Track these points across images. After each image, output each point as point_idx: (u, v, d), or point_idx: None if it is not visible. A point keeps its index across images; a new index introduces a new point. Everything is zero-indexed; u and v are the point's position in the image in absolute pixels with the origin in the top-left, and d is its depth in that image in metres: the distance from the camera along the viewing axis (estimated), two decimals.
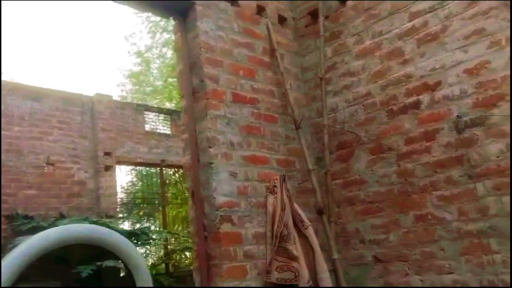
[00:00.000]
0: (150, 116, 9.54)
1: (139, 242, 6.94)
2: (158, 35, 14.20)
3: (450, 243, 2.70)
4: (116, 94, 16.01)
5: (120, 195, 9.25)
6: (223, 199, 2.72)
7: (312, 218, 3.10)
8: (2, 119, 6.96)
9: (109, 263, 5.52)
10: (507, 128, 2.53)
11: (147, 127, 9.30)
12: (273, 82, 3.31)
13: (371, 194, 3.11)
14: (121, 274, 6.89)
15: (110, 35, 28.50)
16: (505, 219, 2.50)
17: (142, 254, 9.65)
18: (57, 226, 1.96)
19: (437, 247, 2.76)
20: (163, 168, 9.75)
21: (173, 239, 9.75)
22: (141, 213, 10.99)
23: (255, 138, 3.05)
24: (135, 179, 12.12)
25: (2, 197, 6.67)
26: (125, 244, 1.95)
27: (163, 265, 8.98)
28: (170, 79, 14.29)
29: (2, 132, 6.90)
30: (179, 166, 9.80)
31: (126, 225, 9.02)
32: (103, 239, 1.91)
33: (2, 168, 6.76)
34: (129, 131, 8.79)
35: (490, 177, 2.57)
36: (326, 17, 3.48)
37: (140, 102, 13.83)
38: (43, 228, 5.72)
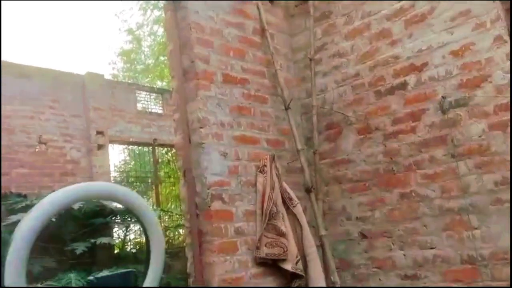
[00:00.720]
0: (141, 95, 9.52)
1: (133, 220, 7.04)
2: (149, 12, 13.99)
3: (433, 220, 2.81)
4: (107, 72, 15.90)
5: (113, 173, 9.31)
6: (214, 178, 2.79)
7: (301, 196, 3.19)
8: None
9: (103, 240, 5.61)
10: (490, 109, 2.61)
11: (139, 106, 9.29)
12: (263, 62, 3.34)
13: (358, 173, 3.20)
14: (115, 251, 7.01)
15: (101, 12, 27.99)
16: (485, 197, 2.60)
17: (136, 231, 9.78)
18: None
19: (420, 223, 2.87)
20: (156, 147, 9.79)
21: (166, 217, 9.88)
22: (134, 191, 11.07)
23: (245, 119, 3.11)
24: (128, 157, 12.18)
25: None
26: (141, 202, 2.04)
27: None
28: (161, 58, 14.15)
29: None
30: (171, 145, 9.84)
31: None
32: (121, 197, 2.00)
33: None
34: (121, 110, 8.78)
35: (472, 156, 2.66)
36: None
37: (131, 81, 13.75)
38: None
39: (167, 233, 9.99)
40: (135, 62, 15.90)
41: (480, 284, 2.58)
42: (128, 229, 8.19)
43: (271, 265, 2.86)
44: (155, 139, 9.30)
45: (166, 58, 13.16)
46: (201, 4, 3.01)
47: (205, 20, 3.01)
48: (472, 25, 2.68)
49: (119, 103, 8.78)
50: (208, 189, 2.75)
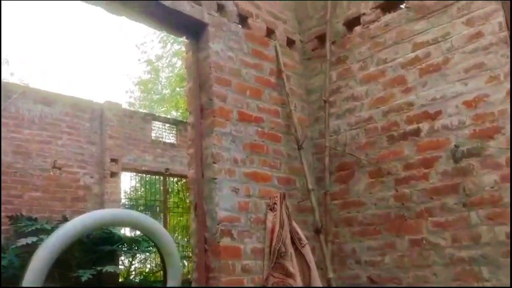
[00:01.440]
0: (156, 125, 9.70)
1: (139, 249, 7.03)
2: (169, 46, 14.44)
3: (443, 269, 2.78)
4: (124, 100, 16.23)
5: (123, 200, 9.37)
6: (225, 213, 2.82)
7: (310, 236, 3.19)
8: (12, 122, 7.12)
9: (109, 268, 5.61)
10: (502, 160, 2.62)
11: (153, 136, 9.45)
12: (278, 102, 3.42)
13: (369, 216, 3.19)
14: (119, 280, 6.96)
15: (122, 43, 28.89)
16: (496, 248, 2.58)
17: (142, 260, 9.73)
18: None
19: (430, 272, 2.83)
20: (167, 177, 9.87)
21: None
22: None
23: (258, 156, 3.16)
24: (138, 184, 12.24)
25: (8, 198, 6.81)
26: (159, 229, 2.06)
27: (161, 272, 9.03)
28: (177, 89, 14.47)
29: (12, 135, 7.07)
30: (182, 176, 9.91)
31: (127, 231, 9.10)
32: (140, 223, 2.01)
33: (10, 170, 6.91)
34: (136, 139, 8.94)
35: (484, 207, 2.65)
36: (333, 42, 3.60)
37: (147, 110, 14.02)
38: (46, 231, 5.84)
39: None
40: (152, 92, 16.27)
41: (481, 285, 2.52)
42: (134, 258, 8.16)
43: None
44: (166, 169, 9.40)
45: (182, 89, 13.46)
46: (222, 45, 3.13)
47: (224, 61, 3.12)
48: (486, 78, 2.74)
49: (134, 132, 8.96)
50: (218, 224, 2.77)
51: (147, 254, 9.00)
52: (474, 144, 2.74)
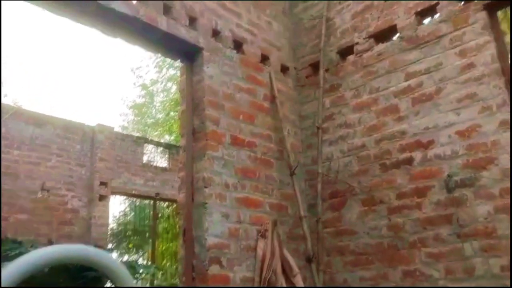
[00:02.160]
0: (148, 148, 9.64)
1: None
2: (164, 70, 14.52)
3: None
4: (117, 124, 16.19)
5: (112, 224, 9.19)
6: (214, 240, 2.75)
7: (301, 265, 3.11)
8: (2, 142, 7.03)
9: None
10: (496, 191, 2.60)
11: (145, 159, 9.37)
12: (271, 127, 3.40)
13: (361, 246, 3.13)
14: None
15: (118, 67, 29.09)
16: (491, 281, 2.52)
17: None
18: None
19: None
20: (157, 201, 9.73)
21: (160, 274, 9.59)
22: (130, 244, 10.85)
23: (250, 181, 3.11)
24: (127, 209, 12.05)
25: None
26: (117, 268, 1.94)
27: None
28: (172, 113, 14.47)
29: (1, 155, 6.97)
30: (173, 200, 9.78)
31: (114, 256, 8.91)
32: (96, 261, 1.89)
33: None
34: (127, 162, 8.86)
35: (478, 238, 2.61)
36: (327, 70, 3.62)
37: (140, 133, 13.96)
38: None
39: None
40: (146, 116, 16.24)
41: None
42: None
43: None
44: (157, 193, 9.28)
45: (176, 114, 13.45)
46: (216, 70, 3.13)
47: (218, 85, 3.11)
48: (479, 108, 2.75)
49: (125, 155, 8.89)
50: (207, 251, 2.69)
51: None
52: (468, 175, 2.72)
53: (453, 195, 2.75)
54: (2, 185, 6.88)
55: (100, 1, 2.58)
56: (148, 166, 9.28)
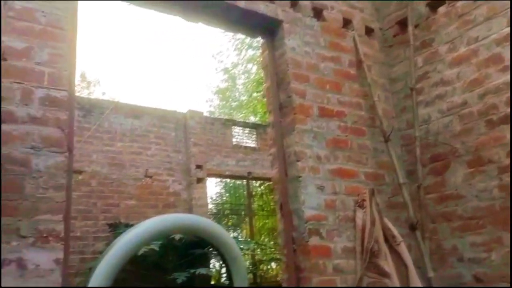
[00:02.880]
0: (236, 130, 9.90)
1: None
2: (243, 52, 14.73)
3: None
4: (205, 109, 16.87)
5: (210, 205, 9.68)
6: (311, 212, 2.75)
7: (404, 233, 2.99)
8: (106, 136, 7.73)
9: (202, 270, 5.81)
10: None
11: (234, 141, 9.65)
12: (360, 94, 3.28)
13: (470, 210, 2.92)
14: (212, 282, 7.18)
15: (200, 54, 30.14)
16: None
17: None
18: None
19: None
20: (249, 181, 10.02)
21: (259, 250, 9.93)
22: (229, 223, 11.37)
23: (342, 152, 3.04)
24: (223, 190, 12.61)
25: (107, 207, 7.41)
26: (224, 235, 2.03)
27: (251, 274, 9.16)
28: (254, 94, 14.69)
29: (106, 148, 7.67)
30: (264, 179, 10.00)
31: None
32: (204, 229, 1.99)
33: (107, 181, 7.53)
34: (218, 145, 9.20)
35: None
36: (416, 26, 3.37)
37: (226, 117, 14.40)
38: None
39: (261, 266, 10.02)
40: (230, 99, 16.70)
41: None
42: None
43: None
44: (249, 173, 9.54)
45: (258, 94, 13.63)
46: (298, 41, 3.07)
47: (301, 56, 3.05)
48: None
49: (216, 138, 9.23)
50: (306, 223, 2.70)
51: None
52: None
53: None
54: (110, 175, 7.59)
55: None
56: (238, 147, 9.55)
